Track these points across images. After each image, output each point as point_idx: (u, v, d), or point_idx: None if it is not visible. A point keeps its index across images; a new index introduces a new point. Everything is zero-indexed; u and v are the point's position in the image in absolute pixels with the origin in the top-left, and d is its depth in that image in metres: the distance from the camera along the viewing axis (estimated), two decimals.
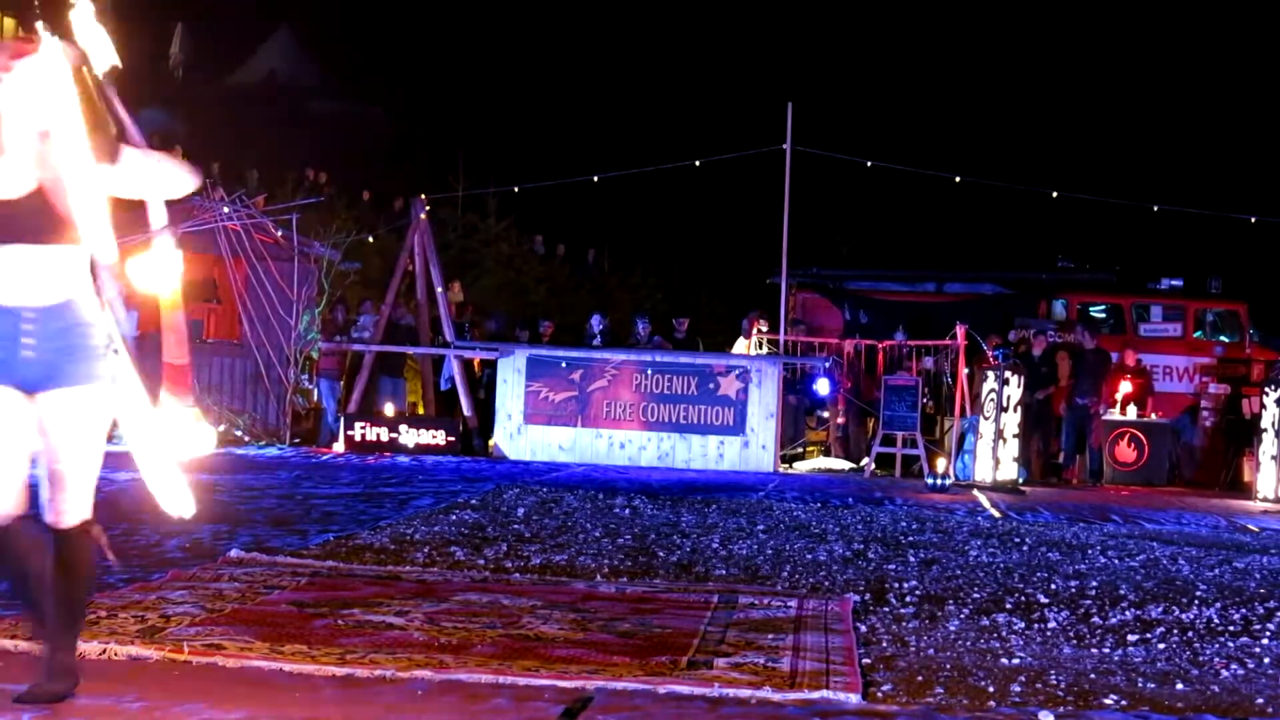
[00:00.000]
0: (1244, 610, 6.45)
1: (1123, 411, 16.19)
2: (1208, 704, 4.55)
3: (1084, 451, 15.90)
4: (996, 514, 11.16)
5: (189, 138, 22.47)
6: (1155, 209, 19.59)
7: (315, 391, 16.70)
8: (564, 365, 15.47)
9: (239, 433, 15.54)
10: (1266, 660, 5.30)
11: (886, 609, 6.13)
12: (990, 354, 15.34)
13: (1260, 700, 4.65)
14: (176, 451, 3.90)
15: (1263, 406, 14.32)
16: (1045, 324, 17.43)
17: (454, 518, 8.91)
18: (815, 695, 4.36)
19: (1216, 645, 5.58)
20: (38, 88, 3.75)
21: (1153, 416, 16.43)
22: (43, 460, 3.86)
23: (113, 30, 3.92)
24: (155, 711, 3.71)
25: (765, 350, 16.95)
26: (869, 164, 18.70)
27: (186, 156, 12.07)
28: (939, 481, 13.42)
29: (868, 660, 4.99)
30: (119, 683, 4.14)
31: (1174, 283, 18.54)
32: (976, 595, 6.61)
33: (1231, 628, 6.00)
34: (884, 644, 5.32)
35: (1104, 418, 15.83)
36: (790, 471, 15.26)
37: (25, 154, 3.79)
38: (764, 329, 17.46)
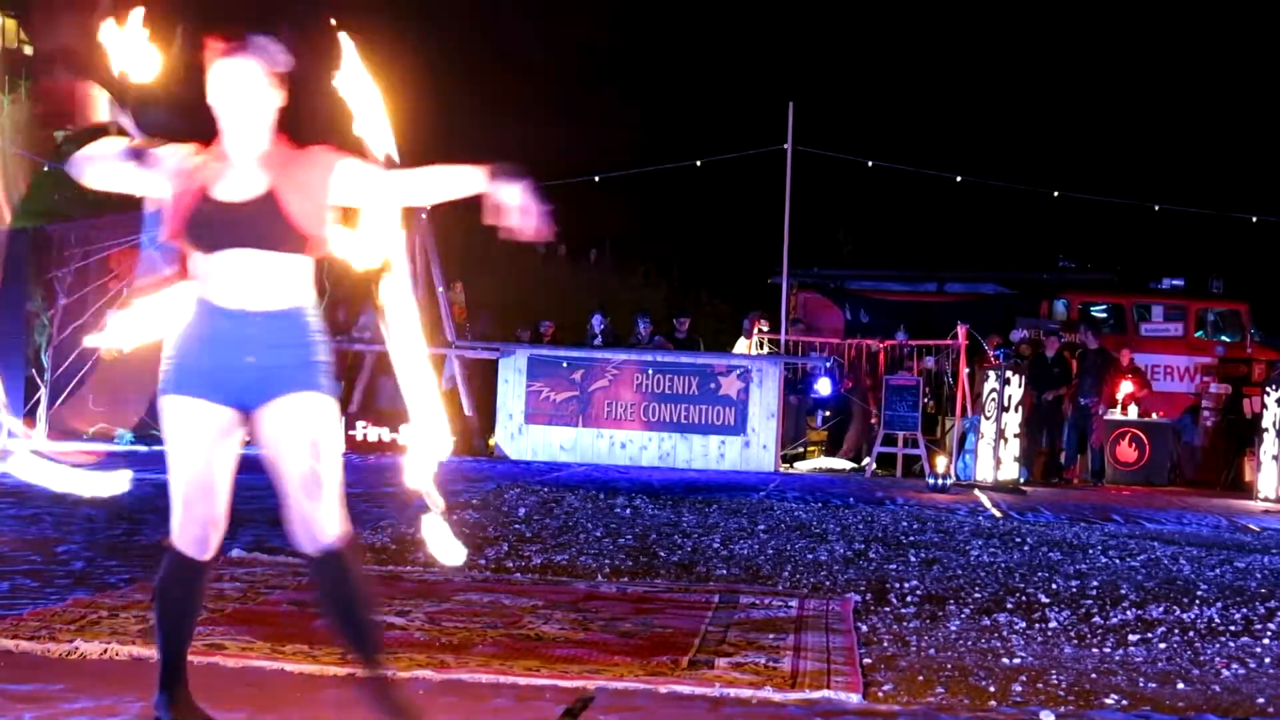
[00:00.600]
0: (1245, 610, 6.45)
1: (1123, 411, 16.20)
2: (1209, 704, 4.55)
3: (1085, 451, 15.90)
4: (998, 514, 11.16)
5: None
6: (1157, 208, 19.62)
7: None
8: (565, 365, 15.47)
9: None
10: (1267, 660, 5.30)
11: (887, 609, 6.13)
12: (991, 354, 15.35)
13: (1261, 700, 4.65)
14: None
15: (1264, 406, 14.32)
16: (1047, 324, 17.44)
17: (455, 517, 8.91)
18: (816, 695, 4.36)
19: (1217, 645, 5.58)
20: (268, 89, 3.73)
21: (1154, 416, 16.43)
22: (282, 481, 3.58)
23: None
24: None
25: (766, 350, 16.96)
26: (870, 164, 18.72)
27: None
28: (940, 481, 13.42)
29: (869, 660, 4.99)
30: (120, 683, 4.14)
31: (1175, 282, 18.55)
32: (978, 595, 6.61)
33: (1232, 627, 6.00)
34: (885, 644, 5.32)
35: (1105, 417, 15.83)
36: (791, 471, 15.25)
37: (253, 157, 3.63)
38: (765, 329, 17.47)
